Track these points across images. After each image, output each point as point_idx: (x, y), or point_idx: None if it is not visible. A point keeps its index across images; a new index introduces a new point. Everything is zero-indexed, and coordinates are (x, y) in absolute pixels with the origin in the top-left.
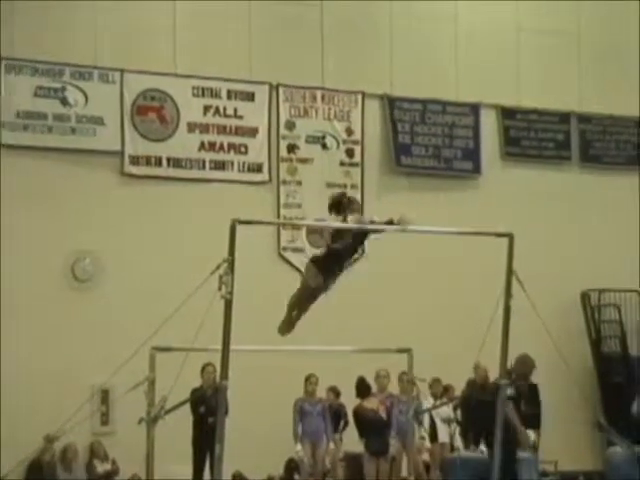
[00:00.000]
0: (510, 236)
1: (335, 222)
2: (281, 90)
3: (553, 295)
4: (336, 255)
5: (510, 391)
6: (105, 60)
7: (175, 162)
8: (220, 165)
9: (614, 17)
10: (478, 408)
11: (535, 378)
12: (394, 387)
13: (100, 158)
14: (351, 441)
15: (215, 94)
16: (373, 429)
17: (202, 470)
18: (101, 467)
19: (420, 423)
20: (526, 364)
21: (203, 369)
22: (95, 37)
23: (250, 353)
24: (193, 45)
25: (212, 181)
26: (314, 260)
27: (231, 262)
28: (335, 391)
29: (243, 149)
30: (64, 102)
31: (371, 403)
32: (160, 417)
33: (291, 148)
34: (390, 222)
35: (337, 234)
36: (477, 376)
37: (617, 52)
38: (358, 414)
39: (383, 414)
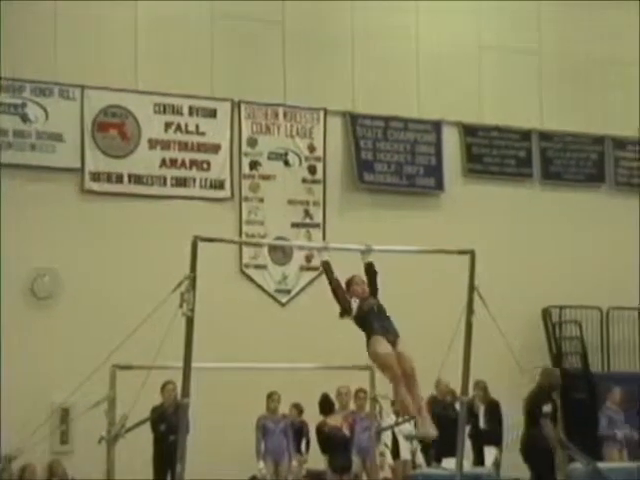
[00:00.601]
0: (472, 253)
1: (297, 242)
2: (243, 107)
3: (514, 311)
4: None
5: (546, 408)
6: (66, 76)
7: (136, 179)
8: (182, 182)
9: (575, 35)
10: (439, 424)
11: (496, 394)
12: None
13: (60, 175)
14: (314, 458)
15: (177, 111)
16: (336, 446)
17: None
18: None
19: (380, 440)
20: (553, 376)
21: (163, 387)
22: (56, 53)
23: (212, 370)
24: (155, 61)
25: (174, 198)
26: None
27: (193, 279)
28: (298, 408)
29: (205, 166)
30: (24, 118)
31: (334, 420)
32: (120, 436)
33: (253, 165)
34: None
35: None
36: (438, 392)
37: (578, 70)
38: (321, 431)
39: (346, 431)
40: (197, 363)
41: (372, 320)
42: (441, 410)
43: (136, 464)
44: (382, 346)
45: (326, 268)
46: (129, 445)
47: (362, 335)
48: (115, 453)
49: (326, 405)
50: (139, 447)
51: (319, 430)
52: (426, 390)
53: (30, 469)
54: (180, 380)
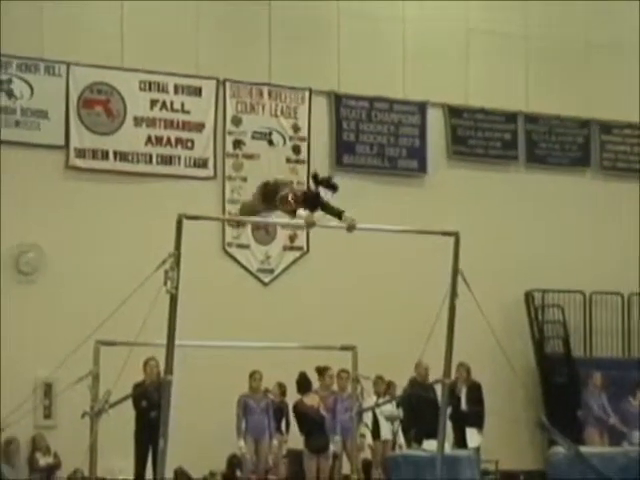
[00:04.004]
0: (456, 235)
1: (283, 218)
2: (228, 85)
3: (497, 294)
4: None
5: None
6: (51, 53)
7: (122, 156)
8: (167, 160)
9: (561, 19)
10: (420, 406)
11: (478, 377)
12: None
13: (45, 151)
14: (295, 438)
15: (162, 88)
16: (313, 426)
17: (144, 465)
18: (43, 461)
19: (361, 421)
20: None
21: (145, 363)
22: (42, 29)
23: (195, 348)
24: (140, 39)
25: (159, 176)
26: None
27: (177, 257)
28: (282, 388)
29: (190, 144)
30: (10, 94)
31: (311, 399)
32: (104, 411)
33: (237, 144)
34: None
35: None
36: (418, 374)
37: (564, 54)
38: (298, 410)
39: (323, 411)
40: (180, 341)
41: None
42: (421, 392)
43: (119, 439)
44: None
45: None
46: (112, 421)
47: (344, 315)
48: (98, 428)
49: (303, 384)
50: (122, 423)
51: (296, 409)
52: (407, 372)
53: (14, 443)
54: (163, 357)
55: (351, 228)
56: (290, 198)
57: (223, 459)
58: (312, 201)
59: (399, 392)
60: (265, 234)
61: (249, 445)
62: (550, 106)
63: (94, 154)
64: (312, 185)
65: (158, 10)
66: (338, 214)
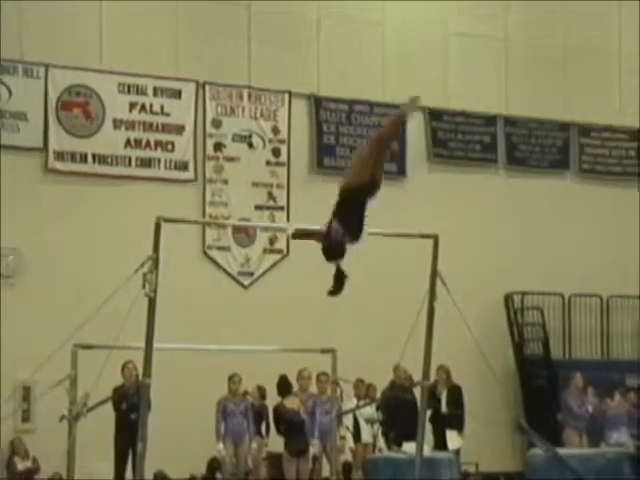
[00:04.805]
0: (435, 237)
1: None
2: (207, 88)
3: (476, 297)
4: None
5: None
6: (30, 55)
7: (101, 159)
8: (146, 162)
9: (540, 22)
10: (399, 409)
11: (458, 379)
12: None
13: (24, 154)
14: (275, 441)
15: (141, 91)
16: (293, 429)
17: (124, 468)
18: (21, 464)
19: (341, 424)
20: None
21: (124, 367)
22: (20, 31)
23: (173, 351)
24: (119, 41)
25: (138, 179)
26: None
27: (155, 260)
28: (261, 391)
29: (170, 147)
30: None
31: (291, 402)
32: (82, 415)
33: (217, 146)
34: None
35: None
36: (396, 377)
37: (543, 56)
38: (278, 413)
39: (304, 414)
40: (159, 344)
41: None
42: (400, 394)
43: (99, 442)
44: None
45: (299, 235)
46: (91, 424)
47: (324, 319)
48: (76, 432)
49: (284, 387)
50: (101, 426)
51: (276, 412)
52: (387, 375)
53: None
54: (142, 360)
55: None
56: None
57: (203, 462)
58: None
59: (379, 395)
60: (245, 237)
61: (228, 448)
62: (529, 109)
63: (73, 157)
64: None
65: (137, 12)
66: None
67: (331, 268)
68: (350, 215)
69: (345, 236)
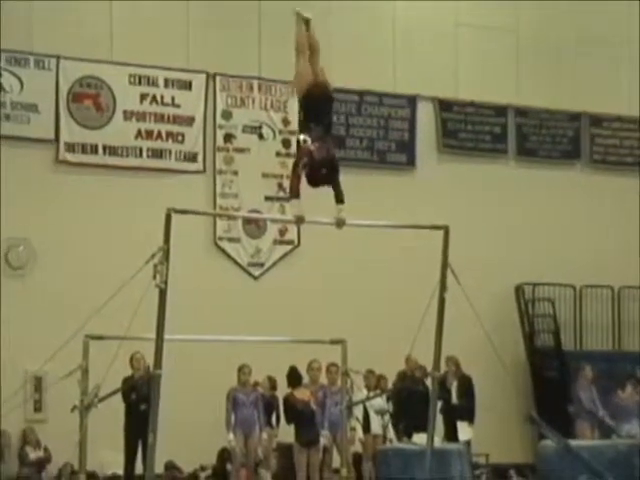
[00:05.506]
0: (446, 229)
1: (272, 213)
2: (218, 79)
3: (487, 288)
4: None
5: None
6: (41, 46)
7: (111, 150)
8: (157, 154)
9: (551, 12)
10: (410, 400)
11: (468, 371)
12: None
13: (35, 145)
14: (285, 431)
15: (152, 82)
16: (303, 420)
17: (134, 458)
18: (33, 454)
19: (351, 415)
20: None
21: (132, 358)
22: (31, 23)
23: (184, 342)
24: (130, 32)
25: (148, 170)
26: None
27: (166, 251)
28: (272, 381)
29: (180, 138)
30: None
31: (302, 393)
32: (93, 405)
33: (228, 138)
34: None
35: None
36: (408, 368)
37: (554, 47)
38: (288, 404)
39: (314, 405)
40: (169, 335)
41: None
42: (411, 385)
43: (109, 433)
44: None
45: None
46: (102, 414)
47: (334, 309)
48: (88, 422)
49: (294, 378)
50: (112, 417)
51: (286, 402)
52: (397, 366)
53: (4, 436)
54: (152, 351)
55: (340, 224)
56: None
57: (214, 453)
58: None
59: (390, 386)
60: (256, 228)
61: (239, 439)
62: (540, 99)
63: (84, 148)
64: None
65: (148, 4)
66: (340, 197)
67: (341, 260)
68: (314, 119)
69: (317, 145)
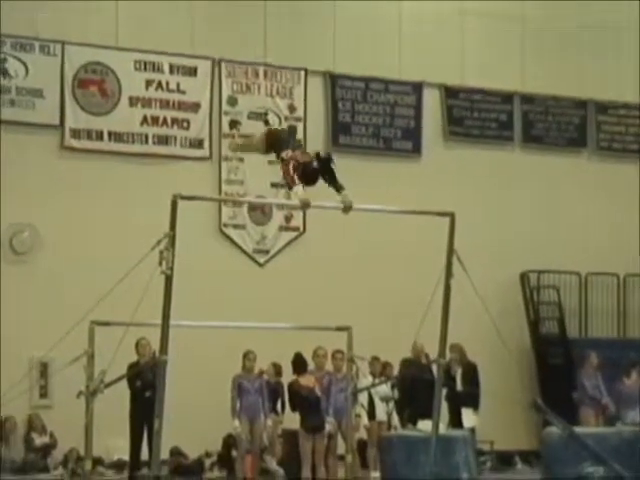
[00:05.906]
0: (451, 215)
1: (277, 199)
2: (223, 65)
3: (493, 275)
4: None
5: None
6: (46, 32)
7: (117, 136)
8: (162, 140)
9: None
10: (415, 386)
11: (473, 358)
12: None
13: (40, 131)
14: (290, 418)
15: (157, 68)
16: (308, 406)
17: (140, 444)
18: (39, 440)
19: (356, 401)
20: None
21: (137, 344)
22: (36, 8)
23: (189, 328)
24: (135, 18)
25: (154, 156)
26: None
27: (172, 237)
28: (277, 368)
29: (185, 124)
30: (4, 73)
31: (307, 380)
32: (99, 391)
33: (233, 124)
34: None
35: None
36: (414, 354)
37: (560, 34)
38: (293, 390)
39: (318, 391)
40: (175, 321)
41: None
42: (417, 372)
43: (114, 419)
44: None
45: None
46: (107, 400)
47: (340, 296)
48: (93, 408)
49: (299, 364)
50: (118, 403)
51: (291, 389)
52: (403, 353)
53: (10, 422)
54: (157, 337)
55: (347, 209)
56: (291, 166)
57: (219, 439)
58: (310, 176)
59: (395, 373)
60: (261, 214)
61: (244, 425)
62: (546, 86)
63: (89, 134)
64: (314, 162)
65: None
66: (338, 188)
67: (347, 246)
68: (285, 148)
69: (300, 152)
